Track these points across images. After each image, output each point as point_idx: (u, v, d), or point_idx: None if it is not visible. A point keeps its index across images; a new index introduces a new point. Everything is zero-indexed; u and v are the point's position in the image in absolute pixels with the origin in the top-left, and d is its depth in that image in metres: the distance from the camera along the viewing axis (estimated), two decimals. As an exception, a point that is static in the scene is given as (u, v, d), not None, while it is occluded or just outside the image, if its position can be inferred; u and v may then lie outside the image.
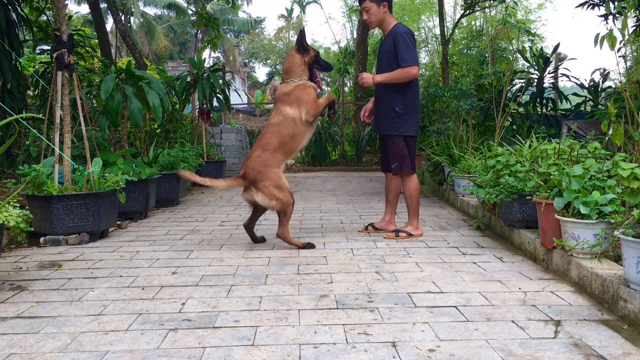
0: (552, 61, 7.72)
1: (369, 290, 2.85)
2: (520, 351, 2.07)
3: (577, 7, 7.36)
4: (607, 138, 3.64)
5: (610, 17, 6.46)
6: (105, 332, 2.29)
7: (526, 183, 3.67)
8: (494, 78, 6.49)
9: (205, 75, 7.83)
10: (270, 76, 34.52)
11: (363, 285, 2.93)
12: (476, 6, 9.21)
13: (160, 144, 7.09)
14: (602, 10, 7.08)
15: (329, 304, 2.63)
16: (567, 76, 7.49)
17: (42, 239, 4.03)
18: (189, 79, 7.87)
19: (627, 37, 3.62)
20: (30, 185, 4.01)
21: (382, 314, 2.48)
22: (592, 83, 7.26)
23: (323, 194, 7.26)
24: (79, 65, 5.77)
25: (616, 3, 3.61)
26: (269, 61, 34.43)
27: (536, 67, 7.45)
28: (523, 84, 7.25)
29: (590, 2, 7.22)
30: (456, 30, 12.59)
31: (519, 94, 6.87)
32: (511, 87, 7.12)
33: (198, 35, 30.96)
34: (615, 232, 2.51)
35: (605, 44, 3.34)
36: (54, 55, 4.48)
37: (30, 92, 7.36)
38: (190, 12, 28.36)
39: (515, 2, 8.98)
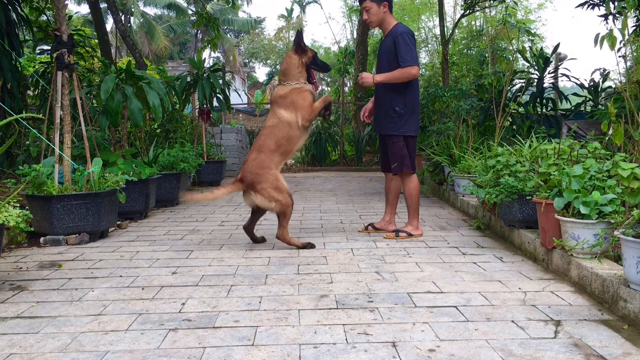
0: (552, 61, 7.72)
1: (369, 290, 2.85)
2: (520, 351, 2.07)
3: (577, 7, 7.36)
4: (607, 138, 3.64)
5: (610, 17, 6.46)
6: (105, 332, 2.29)
7: (526, 183, 3.67)
8: (494, 78, 6.49)
9: (205, 75, 7.83)
10: (270, 76, 34.52)
11: (363, 285, 2.93)
12: (476, 6, 9.21)
13: (160, 144, 7.09)
14: (602, 10, 7.08)
15: (329, 304, 2.63)
16: (567, 76, 7.49)
17: (42, 239, 4.03)
18: (189, 79, 7.87)
19: (627, 37, 3.62)
20: (30, 185, 4.01)
21: (382, 314, 2.48)
22: (592, 83, 7.26)
23: (323, 194, 7.26)
24: (79, 65, 5.77)
25: (616, 3, 3.61)
26: (269, 61, 34.43)
27: (536, 67, 7.45)
28: (523, 84, 7.25)
29: (590, 2, 7.22)
30: (456, 30, 12.59)
31: (519, 94, 6.87)
32: (511, 87, 7.12)
33: (198, 35, 30.96)
34: (615, 232, 2.51)
35: (605, 44, 3.34)
36: (54, 55, 4.48)
37: (30, 92, 7.36)
38: (190, 12, 28.37)
39: (515, 2, 8.99)
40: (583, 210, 2.84)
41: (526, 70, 7.99)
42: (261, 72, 51.21)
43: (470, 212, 5.25)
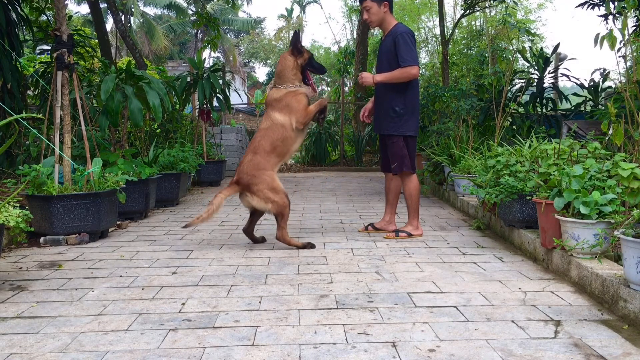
0: (552, 61, 7.72)
1: (369, 290, 2.85)
2: (520, 351, 2.07)
3: (577, 7, 7.37)
4: (607, 138, 3.64)
5: (610, 17, 6.46)
6: (105, 332, 2.29)
7: (526, 183, 3.67)
8: (494, 78, 6.49)
9: (205, 75, 7.83)
10: (270, 76, 34.50)
11: (363, 285, 2.93)
12: (476, 6, 9.21)
13: (160, 144, 7.09)
14: (602, 10, 7.08)
15: (329, 304, 2.63)
16: (567, 76, 7.49)
17: (42, 239, 4.03)
18: (189, 79, 7.87)
19: (627, 37, 3.62)
20: (30, 185, 4.01)
21: (382, 314, 2.48)
22: (592, 83, 7.26)
23: (323, 194, 7.26)
24: (79, 65, 5.77)
25: (616, 3, 3.61)
26: (269, 61, 34.42)
27: (536, 67, 7.45)
28: (523, 84, 7.25)
29: (590, 2, 7.23)
30: (456, 30, 12.59)
31: (519, 94, 6.87)
32: (511, 87, 7.12)
33: (198, 35, 30.96)
34: (615, 232, 2.51)
35: (605, 44, 3.34)
36: (54, 55, 4.48)
37: (30, 92, 7.36)
38: (190, 12, 28.37)
39: (515, 2, 8.99)
40: (583, 210, 2.84)
41: (526, 70, 8.00)
42: (261, 72, 51.27)
43: (470, 212, 5.25)
